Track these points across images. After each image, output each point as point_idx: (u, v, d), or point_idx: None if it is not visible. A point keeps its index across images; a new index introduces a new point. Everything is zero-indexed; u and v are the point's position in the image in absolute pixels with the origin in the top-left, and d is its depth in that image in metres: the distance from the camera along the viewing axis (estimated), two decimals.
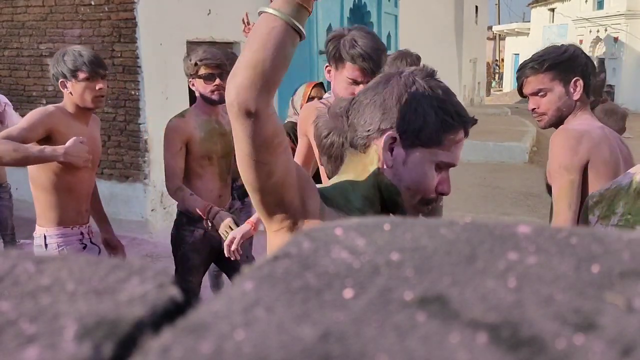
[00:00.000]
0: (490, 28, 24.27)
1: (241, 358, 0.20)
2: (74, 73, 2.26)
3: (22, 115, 5.74)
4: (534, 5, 27.15)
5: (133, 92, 5.24)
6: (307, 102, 2.97)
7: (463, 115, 1.02)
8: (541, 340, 0.21)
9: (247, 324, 0.22)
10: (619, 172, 1.70)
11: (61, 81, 2.30)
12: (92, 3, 5.29)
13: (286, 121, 3.09)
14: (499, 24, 31.02)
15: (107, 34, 5.27)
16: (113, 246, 2.61)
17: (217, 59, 2.49)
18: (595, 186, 1.64)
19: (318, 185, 1.07)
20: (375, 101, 1.03)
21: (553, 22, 25.28)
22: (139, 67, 5.15)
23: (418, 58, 3.05)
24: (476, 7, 16.32)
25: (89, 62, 2.27)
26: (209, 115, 2.57)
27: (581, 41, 21.76)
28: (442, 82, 1.05)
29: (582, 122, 1.74)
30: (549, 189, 1.81)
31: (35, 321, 0.23)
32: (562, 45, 1.81)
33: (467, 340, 0.21)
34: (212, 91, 2.49)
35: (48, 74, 5.67)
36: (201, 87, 2.50)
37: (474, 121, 1.06)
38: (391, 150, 1.02)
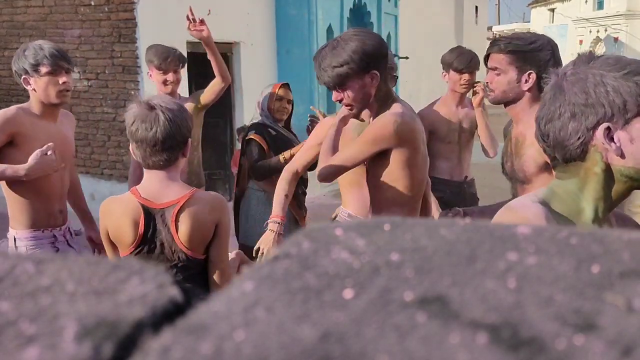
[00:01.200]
0: (490, 28, 24.27)
1: (241, 358, 0.20)
2: (35, 68, 2.13)
3: None
4: (534, 5, 27.15)
5: (133, 92, 5.24)
6: (274, 102, 2.96)
7: None
8: (541, 341, 0.21)
9: (247, 324, 0.22)
10: None
11: (24, 78, 2.17)
12: (92, 3, 5.29)
13: (252, 122, 3.07)
14: (499, 24, 31.01)
15: (107, 34, 5.27)
16: (98, 242, 2.53)
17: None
18: None
19: (538, 194, 1.05)
20: (565, 111, 1.01)
21: (553, 22, 25.28)
22: (139, 67, 5.15)
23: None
24: (476, 7, 16.32)
25: (51, 55, 2.13)
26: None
27: (581, 41, 21.77)
28: (604, 55, 1.03)
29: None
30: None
31: (35, 321, 0.23)
32: (540, 36, 1.85)
33: (467, 340, 0.21)
34: None
35: None
36: None
37: None
38: (611, 139, 0.99)
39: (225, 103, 5.87)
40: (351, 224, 0.32)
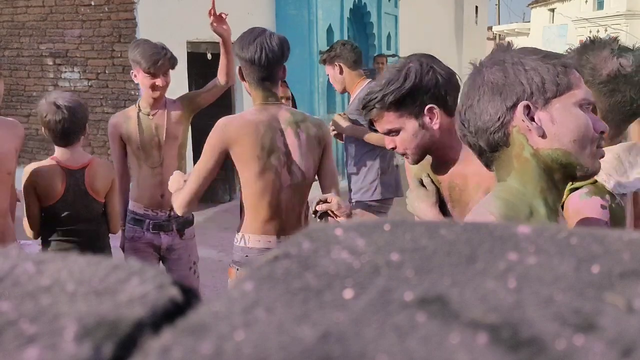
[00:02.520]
0: (490, 28, 24.27)
1: (241, 358, 0.20)
2: None
3: (23, 116, 5.74)
4: (534, 5, 27.15)
5: (133, 92, 5.24)
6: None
7: (563, 55, 1.01)
8: (541, 341, 0.21)
9: (247, 324, 0.22)
10: None
11: None
12: (92, 3, 5.29)
13: None
14: (499, 24, 30.99)
15: (107, 34, 5.28)
16: None
17: None
18: None
19: (492, 209, 0.96)
20: (484, 93, 0.99)
21: (553, 22, 25.29)
22: None
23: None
24: (476, 7, 16.32)
25: None
26: None
27: (581, 41, 21.78)
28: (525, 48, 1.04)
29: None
30: None
31: (35, 321, 0.23)
32: (402, 69, 1.42)
33: (467, 340, 0.21)
34: None
35: (48, 74, 5.68)
36: None
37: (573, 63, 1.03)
38: (532, 119, 0.96)
39: (225, 103, 5.86)
40: (351, 224, 0.32)
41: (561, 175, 0.99)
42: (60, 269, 0.28)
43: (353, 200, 3.19)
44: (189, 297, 0.26)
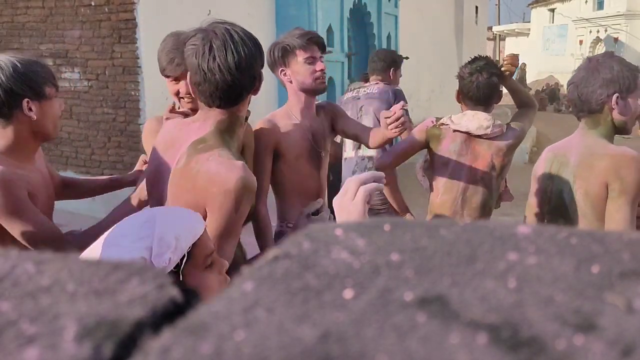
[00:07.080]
0: (490, 28, 24.25)
1: (241, 358, 0.20)
2: (39, 90, 1.50)
3: None
4: (534, 5, 27.15)
5: (133, 93, 5.24)
6: None
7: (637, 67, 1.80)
8: (541, 341, 0.21)
9: (247, 324, 0.22)
10: None
11: (27, 100, 1.47)
12: (92, 4, 5.29)
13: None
14: (499, 24, 30.98)
15: (107, 34, 5.28)
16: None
17: None
18: None
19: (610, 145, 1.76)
20: (597, 82, 1.72)
21: (553, 22, 25.29)
22: (139, 67, 5.15)
23: None
24: (476, 7, 16.31)
25: (53, 75, 1.56)
26: None
27: (581, 41, 21.80)
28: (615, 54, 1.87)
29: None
30: None
31: (35, 322, 0.23)
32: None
33: (467, 340, 0.21)
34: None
35: None
36: None
37: None
38: (616, 104, 1.71)
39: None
40: (351, 224, 0.32)
41: (616, 132, 1.79)
42: (60, 269, 0.28)
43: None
44: (189, 297, 0.26)
